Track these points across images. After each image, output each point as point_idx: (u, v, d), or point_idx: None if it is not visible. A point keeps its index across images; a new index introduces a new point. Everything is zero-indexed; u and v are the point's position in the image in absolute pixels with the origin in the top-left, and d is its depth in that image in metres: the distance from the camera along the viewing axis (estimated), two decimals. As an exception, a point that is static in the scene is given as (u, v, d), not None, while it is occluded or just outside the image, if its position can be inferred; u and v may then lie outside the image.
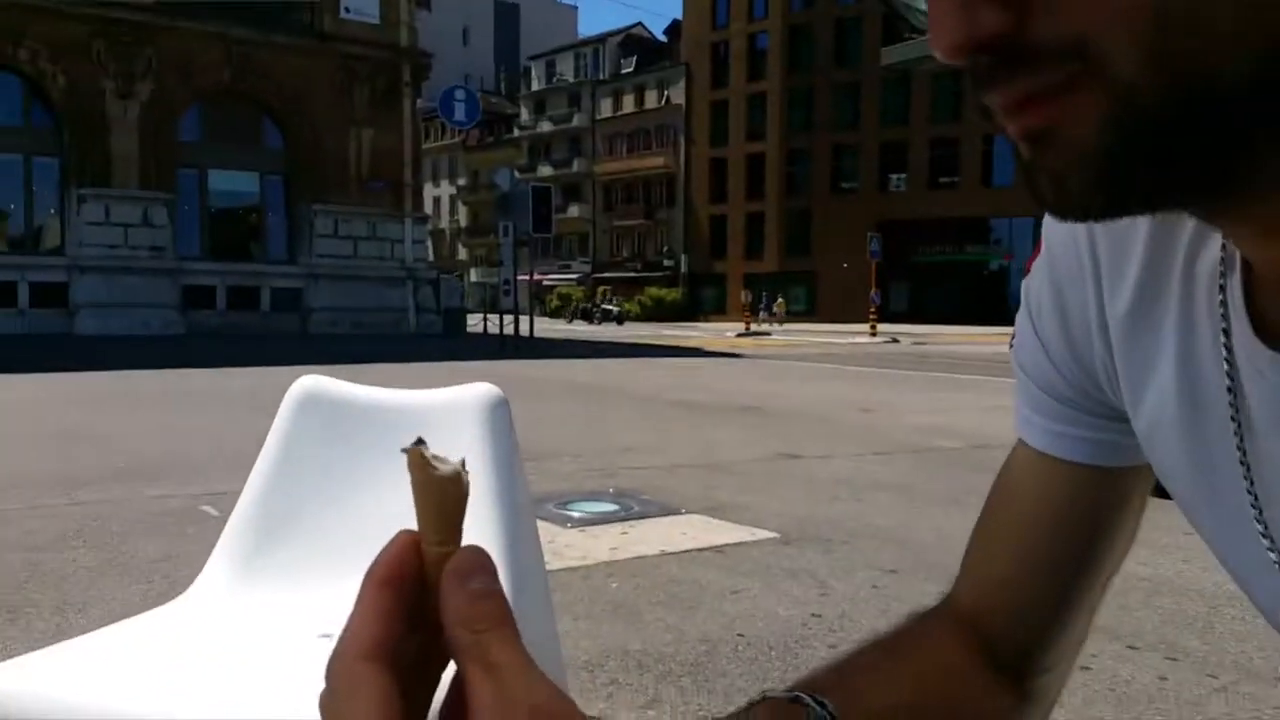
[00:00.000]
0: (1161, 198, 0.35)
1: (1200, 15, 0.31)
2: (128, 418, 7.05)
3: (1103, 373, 0.53)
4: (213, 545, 1.60)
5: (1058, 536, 0.59)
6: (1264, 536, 0.45)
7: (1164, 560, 3.54)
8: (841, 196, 47.07)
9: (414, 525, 0.31)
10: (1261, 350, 0.42)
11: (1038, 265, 0.57)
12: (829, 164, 47.69)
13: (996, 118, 0.36)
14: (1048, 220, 0.52)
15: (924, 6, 0.37)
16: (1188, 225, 0.46)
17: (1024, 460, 0.60)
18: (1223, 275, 0.44)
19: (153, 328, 19.81)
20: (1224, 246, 0.44)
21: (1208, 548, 0.51)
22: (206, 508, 4.16)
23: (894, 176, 45.67)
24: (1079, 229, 0.52)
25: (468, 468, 0.31)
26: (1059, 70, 0.33)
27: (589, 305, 47.05)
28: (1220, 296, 0.44)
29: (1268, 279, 0.42)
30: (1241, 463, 0.45)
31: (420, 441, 0.31)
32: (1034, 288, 0.57)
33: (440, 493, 0.31)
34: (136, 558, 3.43)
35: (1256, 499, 0.45)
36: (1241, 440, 0.44)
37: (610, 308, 45.28)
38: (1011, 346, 0.61)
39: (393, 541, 0.32)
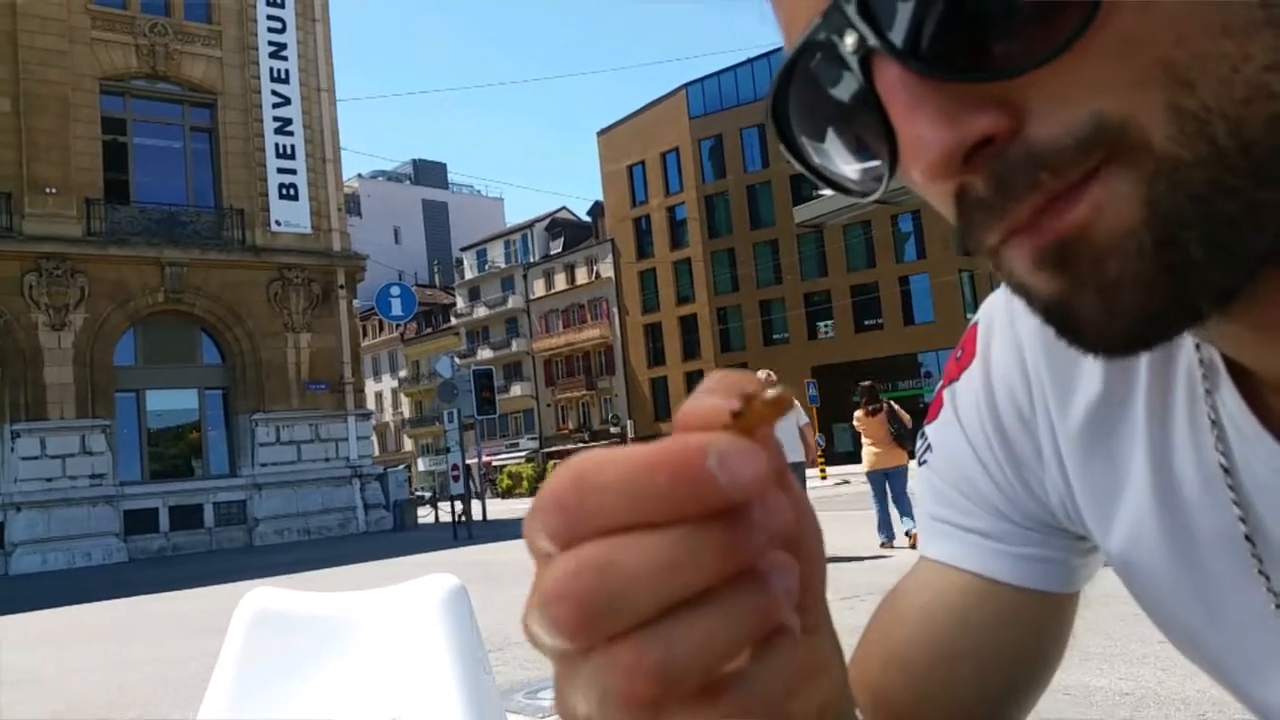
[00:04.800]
0: (1232, 287, 0.30)
1: (1212, 64, 0.28)
2: (69, 656, 6.68)
3: (1055, 495, 0.49)
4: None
5: (985, 669, 0.52)
6: None
7: (1143, 671, 3.53)
8: (774, 348, 48.32)
9: None
10: None
11: (971, 380, 0.51)
12: (759, 319, 49.20)
13: (991, 262, 0.32)
14: (992, 337, 0.50)
15: (838, 167, 0.33)
16: None
17: (944, 583, 0.53)
18: (1206, 386, 0.41)
19: (94, 558, 19.03)
20: (1200, 356, 0.41)
21: (1195, 661, 0.47)
22: (156, 746, 3.91)
23: (822, 324, 47.22)
24: (1022, 346, 0.48)
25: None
26: (1079, 165, 0.29)
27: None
28: (1208, 409, 0.41)
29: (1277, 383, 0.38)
30: (1270, 590, 0.40)
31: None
32: (966, 404, 0.51)
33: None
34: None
35: None
36: (1262, 564, 0.40)
37: None
38: (923, 462, 0.55)
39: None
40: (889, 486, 8.20)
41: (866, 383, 8.77)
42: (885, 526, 8.25)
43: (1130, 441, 0.44)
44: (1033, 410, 0.48)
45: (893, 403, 8.39)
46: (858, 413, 8.39)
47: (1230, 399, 0.40)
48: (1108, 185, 0.29)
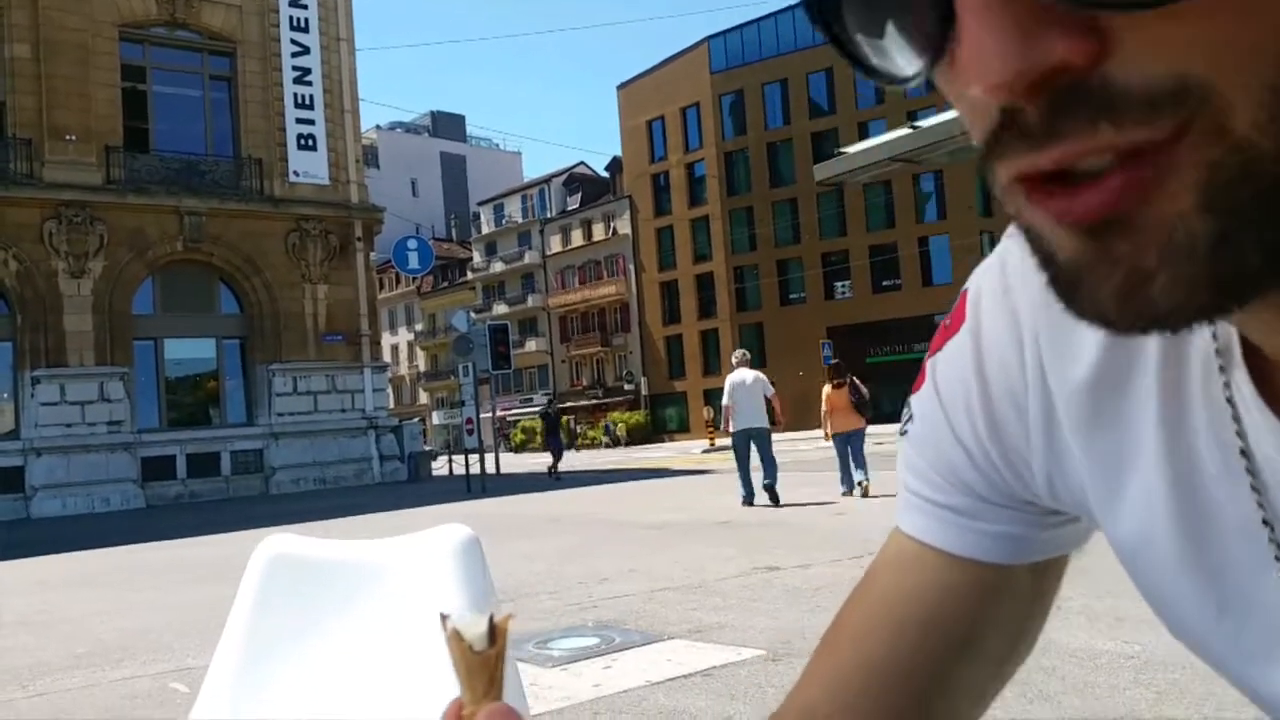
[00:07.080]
0: (1266, 289, 0.27)
1: None
2: (88, 599, 6.83)
3: (1040, 472, 0.48)
4: (186, 722, 1.57)
5: (940, 639, 0.52)
6: None
7: (1149, 635, 3.54)
8: (791, 308, 48.11)
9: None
10: None
11: (958, 351, 0.50)
12: (775, 278, 48.93)
13: (1016, 204, 0.28)
14: (983, 307, 0.48)
15: (875, 62, 0.29)
16: None
17: (912, 557, 0.53)
18: (1221, 367, 0.39)
19: (113, 504, 19.36)
20: (1214, 335, 0.39)
21: (1197, 652, 0.46)
22: (176, 685, 4.01)
23: (839, 284, 46.91)
24: (1018, 316, 0.46)
25: (495, 620, 0.38)
26: (1145, 125, 0.25)
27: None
28: (1226, 392, 0.38)
29: None
30: None
31: (443, 616, 0.38)
32: (951, 377, 0.50)
33: (467, 663, 0.38)
34: (103, 747, 3.28)
35: None
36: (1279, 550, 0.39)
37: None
38: (904, 433, 0.55)
39: (444, 713, 0.39)
40: (849, 447, 9.76)
41: (834, 360, 10.50)
42: (846, 479, 9.84)
43: (1141, 415, 0.42)
44: (1024, 385, 0.46)
45: (854, 377, 9.98)
46: (826, 387, 9.93)
47: (1242, 383, 0.38)
48: (1171, 162, 0.25)
